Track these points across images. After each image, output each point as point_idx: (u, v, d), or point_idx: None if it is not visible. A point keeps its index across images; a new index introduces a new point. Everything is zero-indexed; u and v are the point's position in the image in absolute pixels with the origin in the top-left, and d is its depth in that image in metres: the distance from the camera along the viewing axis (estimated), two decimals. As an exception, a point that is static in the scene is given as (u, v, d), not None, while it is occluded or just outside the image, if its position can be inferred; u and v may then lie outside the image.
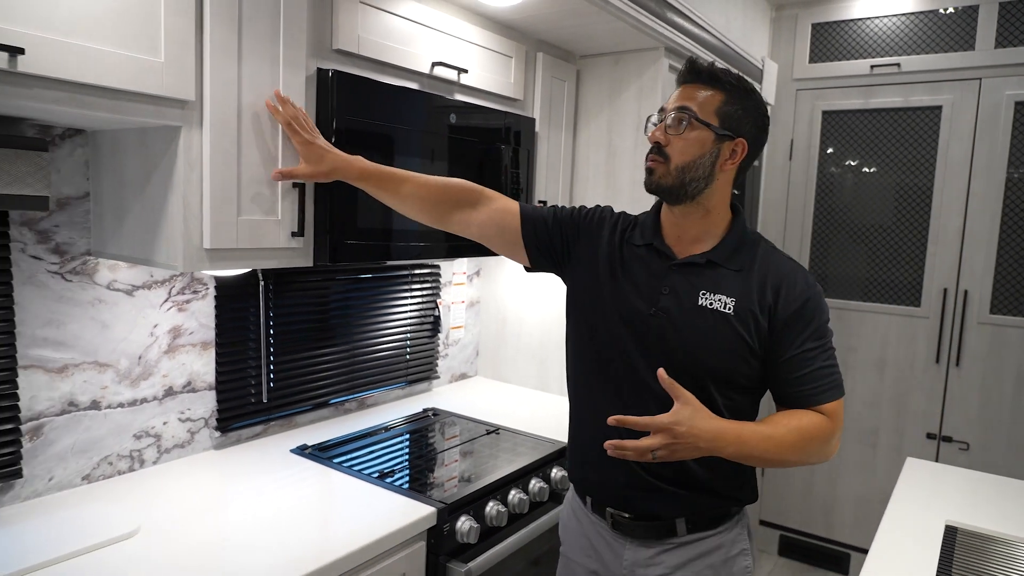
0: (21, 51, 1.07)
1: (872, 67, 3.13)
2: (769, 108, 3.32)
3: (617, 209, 1.47)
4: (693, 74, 1.26)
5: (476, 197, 1.49)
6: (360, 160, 1.48)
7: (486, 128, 2.02)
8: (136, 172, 1.43)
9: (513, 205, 1.49)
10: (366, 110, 1.64)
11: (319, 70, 1.58)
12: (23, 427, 1.47)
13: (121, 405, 1.64)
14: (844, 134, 3.27)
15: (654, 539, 1.32)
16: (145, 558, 1.30)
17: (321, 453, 1.89)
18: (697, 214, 1.29)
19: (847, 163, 3.29)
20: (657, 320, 1.27)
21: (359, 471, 1.77)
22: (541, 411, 2.41)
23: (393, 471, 1.81)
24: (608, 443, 1.14)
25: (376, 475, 1.75)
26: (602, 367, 1.34)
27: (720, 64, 1.34)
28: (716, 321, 1.24)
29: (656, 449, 1.11)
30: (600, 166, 2.47)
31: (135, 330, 1.65)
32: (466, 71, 1.95)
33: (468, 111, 1.94)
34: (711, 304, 1.25)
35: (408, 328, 2.45)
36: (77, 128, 1.51)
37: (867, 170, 3.24)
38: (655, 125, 1.29)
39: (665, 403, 1.16)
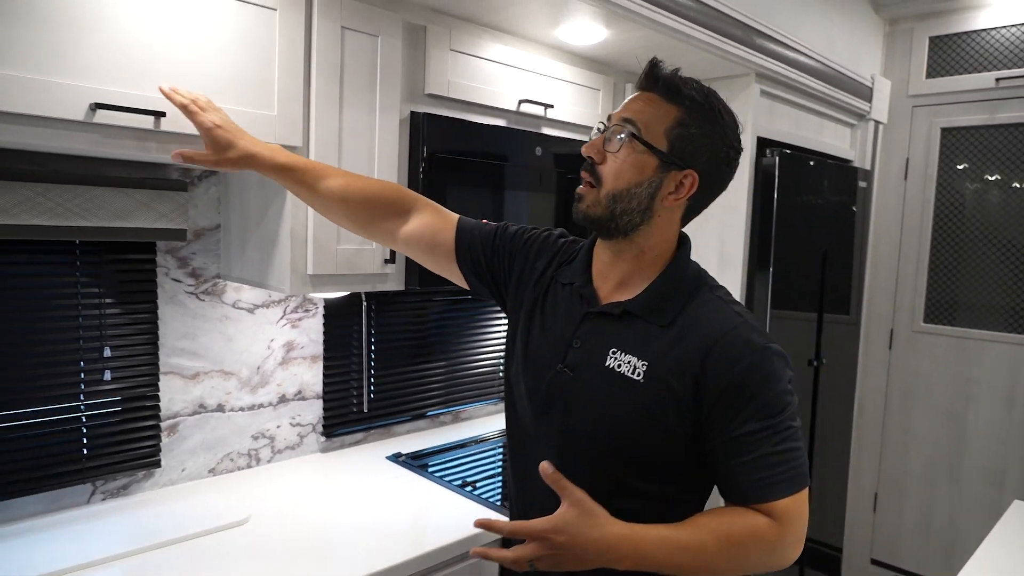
0: (163, 114, 1.30)
1: (998, 80, 2.94)
2: (880, 127, 3.19)
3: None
4: (650, 80, 1.02)
5: (408, 206, 1.27)
6: (276, 150, 1.25)
7: (573, 158, 2.13)
8: (256, 207, 1.66)
9: (450, 218, 1.27)
10: (456, 147, 1.80)
11: (412, 113, 1.75)
12: (162, 424, 1.73)
13: (242, 409, 1.88)
14: (966, 152, 3.08)
15: None
16: (253, 543, 1.49)
17: (414, 461, 2.05)
18: (629, 253, 1.04)
19: (970, 183, 3.09)
20: (561, 378, 1.05)
21: (447, 480, 1.91)
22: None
23: (478, 482, 1.93)
24: (473, 550, 0.92)
25: (462, 484, 1.89)
26: (515, 426, 1.15)
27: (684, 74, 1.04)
28: (621, 389, 0.99)
29: (534, 559, 0.89)
30: (691, 191, 2.49)
31: (255, 343, 1.89)
32: (552, 106, 2.06)
33: (554, 143, 2.06)
34: (619, 366, 0.99)
35: (502, 347, 2.58)
36: (212, 170, 1.76)
37: (993, 190, 3.03)
38: (598, 133, 1.04)
39: (585, 477, 0.96)
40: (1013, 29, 2.92)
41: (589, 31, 1.93)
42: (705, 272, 1.08)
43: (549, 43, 2.06)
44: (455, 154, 1.80)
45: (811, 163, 2.55)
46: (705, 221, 2.42)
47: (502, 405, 2.61)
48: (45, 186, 1.45)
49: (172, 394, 1.74)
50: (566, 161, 2.10)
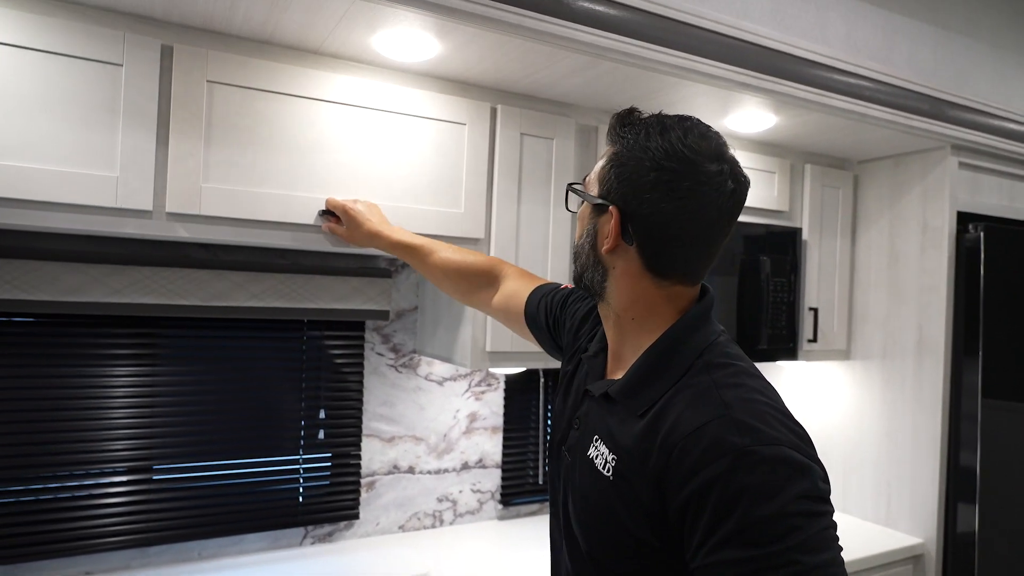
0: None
1: None
2: None
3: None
4: (608, 132, 0.92)
5: (496, 276, 1.32)
6: (398, 230, 1.50)
7: (745, 239, 2.14)
8: (445, 291, 1.90)
9: (524, 288, 1.26)
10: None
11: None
12: (362, 481, 1.97)
13: (430, 472, 2.08)
14: None
15: None
16: (430, 596, 1.64)
17: (585, 536, 2.10)
18: (610, 319, 0.93)
19: None
20: (563, 463, 0.96)
21: (614, 557, 1.94)
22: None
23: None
24: None
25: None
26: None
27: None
28: (594, 483, 0.86)
29: None
30: (882, 271, 2.37)
31: (443, 413, 2.10)
32: (723, 191, 2.11)
33: (725, 226, 2.09)
34: (596, 458, 0.87)
35: (679, 428, 2.57)
36: (412, 259, 2.05)
37: None
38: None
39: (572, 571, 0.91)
40: None
41: (758, 119, 1.98)
42: (719, 344, 0.86)
43: (720, 131, 2.12)
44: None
45: (1029, 238, 2.30)
46: (900, 303, 2.27)
47: (679, 488, 2.57)
48: (285, 276, 1.79)
49: (371, 454, 1.99)
50: (738, 242, 2.12)
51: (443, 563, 1.83)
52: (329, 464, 1.93)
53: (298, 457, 1.88)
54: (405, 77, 1.67)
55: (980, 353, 2.14)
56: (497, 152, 1.77)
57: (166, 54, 1.40)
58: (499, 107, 1.76)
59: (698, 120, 0.86)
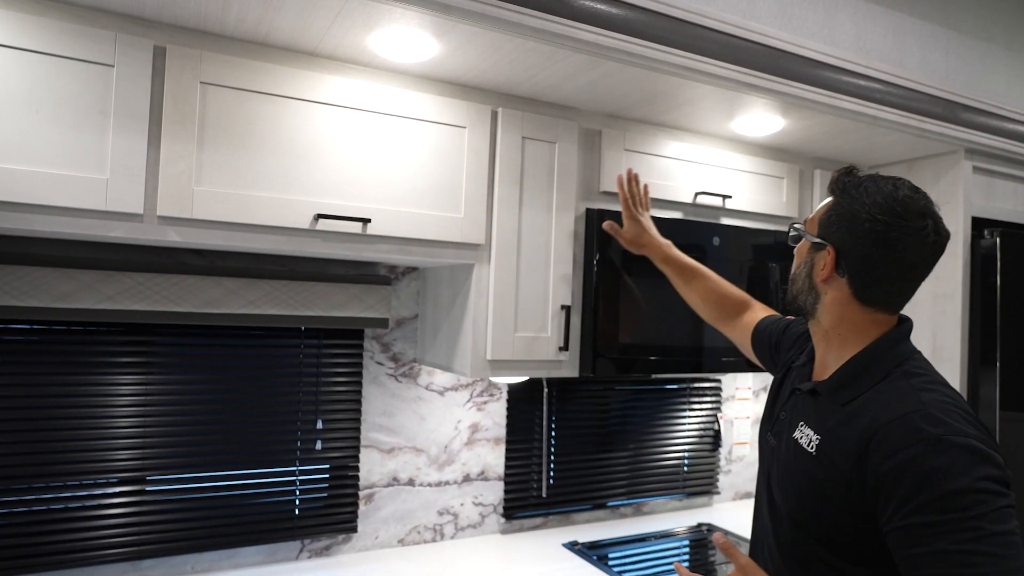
0: (369, 220, 1.54)
1: None
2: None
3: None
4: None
5: (746, 307, 1.53)
6: (670, 246, 1.66)
7: (753, 247, 2.09)
8: (446, 298, 1.85)
9: (753, 319, 1.48)
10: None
11: (587, 210, 1.86)
12: (361, 493, 1.92)
13: (430, 485, 2.03)
14: None
15: None
16: (428, 613, 1.59)
17: (590, 551, 2.04)
18: (818, 335, 1.13)
19: None
20: (768, 445, 1.18)
21: (626, 574, 1.88)
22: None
23: (652, 578, 1.87)
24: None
25: (634, 579, 1.84)
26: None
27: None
28: (798, 459, 1.06)
29: None
30: (895, 278, 2.30)
31: (444, 424, 2.05)
32: (730, 196, 2.07)
33: (733, 233, 2.05)
34: (800, 438, 1.08)
35: (687, 440, 2.51)
36: (413, 267, 2.01)
37: None
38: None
39: (774, 550, 1.10)
40: None
41: (765, 122, 1.94)
42: (916, 359, 1.05)
43: (725, 136, 2.09)
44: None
45: (1047, 244, 2.23)
46: (914, 311, 2.21)
47: (687, 501, 2.51)
48: (281, 282, 1.76)
49: (370, 466, 1.94)
50: (745, 250, 2.07)
51: (443, 578, 1.78)
52: (327, 476, 1.88)
53: (295, 468, 1.84)
54: (403, 79, 1.64)
55: (998, 364, 2.07)
56: (498, 156, 1.73)
57: (158, 55, 1.37)
58: (500, 110, 1.73)
59: (908, 180, 1.04)
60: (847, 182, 1.07)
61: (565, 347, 1.80)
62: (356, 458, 1.92)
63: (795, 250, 1.16)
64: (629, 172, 1.72)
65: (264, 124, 1.46)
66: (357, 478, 1.92)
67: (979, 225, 2.18)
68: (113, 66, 1.32)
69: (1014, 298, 2.13)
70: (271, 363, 1.82)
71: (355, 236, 1.55)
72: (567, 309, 1.81)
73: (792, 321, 1.38)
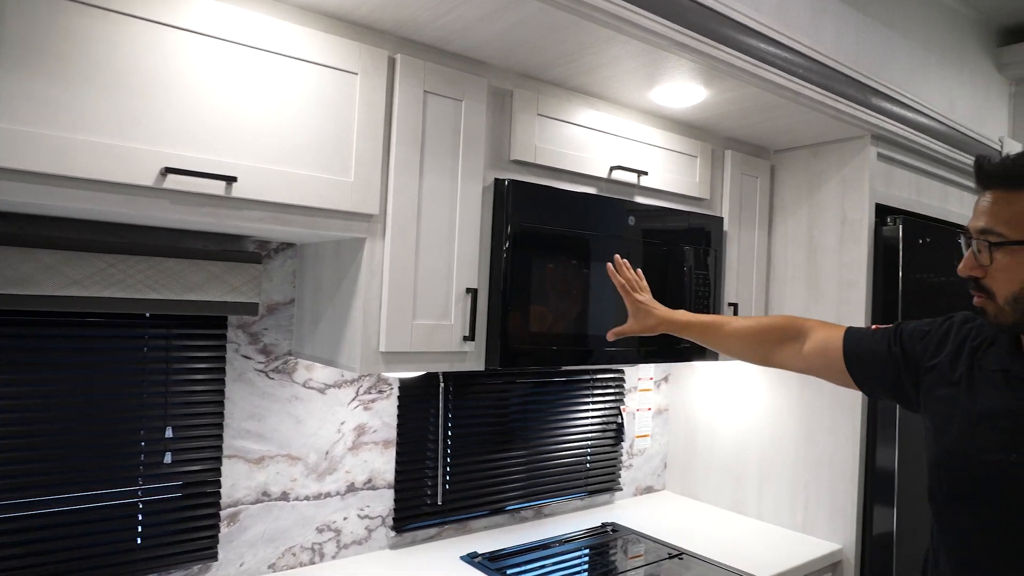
0: (234, 179, 1.23)
1: None
2: None
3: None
4: (984, 179, 1.03)
5: (797, 331, 1.38)
6: (682, 313, 1.51)
7: (668, 229, 1.95)
8: (330, 280, 1.56)
9: (836, 336, 1.32)
10: (541, 216, 1.66)
11: (496, 180, 1.64)
12: (222, 513, 1.60)
13: (307, 498, 1.73)
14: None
15: None
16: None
17: (491, 563, 1.83)
18: None
19: None
20: (1018, 470, 1.00)
21: (526, 588, 1.68)
22: (734, 536, 2.15)
23: (562, 592, 1.69)
24: None
25: (543, 594, 1.65)
26: (964, 519, 1.09)
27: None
28: None
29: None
30: (800, 266, 2.26)
31: (324, 426, 1.76)
32: (646, 173, 1.91)
33: (649, 213, 1.90)
34: None
35: (589, 435, 2.36)
36: (288, 242, 1.70)
37: None
38: (966, 249, 1.07)
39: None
40: None
41: (686, 92, 1.79)
42: None
43: (643, 107, 1.93)
44: (541, 223, 1.66)
45: (940, 231, 2.27)
46: (818, 299, 2.17)
47: (588, 500, 2.36)
48: (117, 257, 1.39)
49: (235, 479, 1.62)
50: (660, 232, 1.93)
51: (324, 611, 1.50)
52: (179, 495, 1.54)
53: (136, 488, 1.49)
54: (284, 8, 1.33)
55: (899, 350, 2.06)
56: (396, 112, 1.46)
57: (-72, -64, 0.99)
58: (399, 56, 1.46)
59: None
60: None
61: (471, 336, 1.57)
62: (217, 471, 1.59)
63: (1001, 265, 1.00)
64: (617, 259, 1.57)
65: (95, 48, 1.11)
66: (218, 495, 1.59)
67: (882, 212, 2.16)
68: None
69: (914, 284, 2.13)
70: (104, 359, 1.45)
71: (216, 199, 1.24)
72: (473, 293, 1.57)
73: (919, 326, 1.24)
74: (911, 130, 2.19)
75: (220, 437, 1.59)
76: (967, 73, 2.61)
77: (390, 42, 1.48)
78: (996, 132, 2.77)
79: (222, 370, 1.60)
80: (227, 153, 1.24)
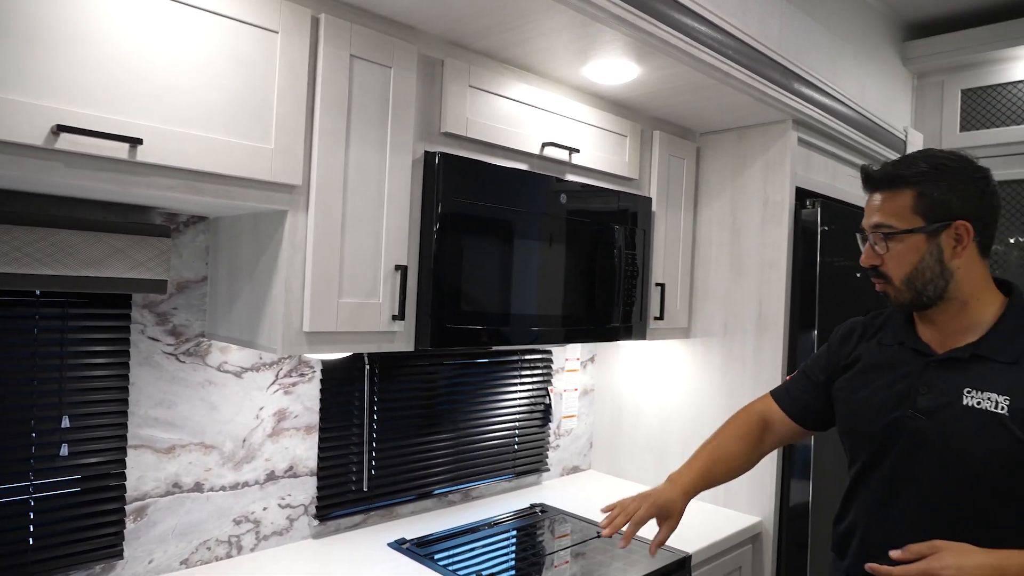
0: (139, 141, 1.11)
1: (1039, 133, 2.79)
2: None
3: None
4: (872, 183, 1.19)
5: (760, 426, 1.42)
6: (693, 468, 1.37)
7: (599, 209, 1.94)
8: (248, 256, 1.46)
9: (771, 404, 1.43)
10: (473, 192, 1.61)
11: (426, 153, 1.57)
12: (128, 507, 1.48)
13: (223, 488, 1.62)
14: (1007, 206, 2.91)
15: None
16: (226, 659, 1.22)
17: (419, 549, 1.78)
18: (952, 309, 1.17)
19: (1013, 238, 2.90)
20: (914, 423, 1.16)
21: (457, 571, 1.64)
22: (660, 513, 2.18)
23: (493, 573, 1.66)
24: (869, 566, 1.06)
25: (474, 579, 1.62)
26: (870, 473, 1.25)
27: (901, 155, 1.26)
28: (986, 423, 1.09)
29: None
30: (724, 246, 2.30)
31: (241, 412, 1.65)
32: (578, 151, 1.89)
33: (580, 192, 1.87)
34: (979, 403, 1.10)
35: (517, 417, 2.33)
36: (201, 215, 1.57)
37: (1040, 247, 2.84)
38: (863, 244, 1.23)
39: (943, 513, 1.12)
40: (1052, 81, 2.79)
41: (619, 69, 1.77)
42: None
43: (575, 84, 1.90)
44: (471, 198, 1.61)
45: (854, 215, 2.36)
46: (741, 279, 2.22)
47: (516, 482, 2.35)
48: (2, 227, 1.25)
49: (142, 471, 1.50)
50: (591, 212, 1.91)
51: (243, 607, 1.41)
52: (77, 489, 1.41)
53: (26, 484, 1.35)
54: (191, -44, 1.21)
55: (816, 329, 2.14)
56: (320, 76, 1.37)
57: None
58: (323, 16, 1.37)
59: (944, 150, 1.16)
60: (921, 162, 1.13)
61: (400, 316, 1.50)
62: (121, 463, 1.46)
63: (895, 252, 1.15)
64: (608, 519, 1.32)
65: (-35, -17, 0.97)
66: (123, 488, 1.47)
67: (801, 196, 2.23)
68: None
69: (830, 265, 2.21)
70: (-13, 341, 1.30)
71: (119, 163, 1.12)
72: (403, 270, 1.51)
73: (825, 348, 1.39)
74: (829, 116, 2.26)
75: (124, 426, 1.47)
76: (876, 65, 2.73)
77: (314, 0, 1.38)
78: (901, 122, 2.91)
79: (126, 353, 1.47)
80: (132, 112, 1.12)
